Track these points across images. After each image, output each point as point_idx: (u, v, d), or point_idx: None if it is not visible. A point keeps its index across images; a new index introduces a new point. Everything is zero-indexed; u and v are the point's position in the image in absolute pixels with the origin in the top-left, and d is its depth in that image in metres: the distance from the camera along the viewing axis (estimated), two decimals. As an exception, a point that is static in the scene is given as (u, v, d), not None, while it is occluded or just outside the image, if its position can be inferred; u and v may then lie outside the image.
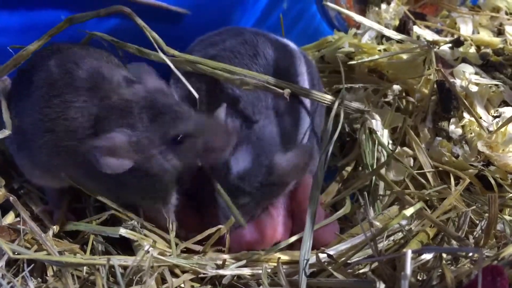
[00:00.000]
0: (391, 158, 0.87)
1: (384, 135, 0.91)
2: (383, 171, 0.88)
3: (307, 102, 0.83)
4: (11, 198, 0.77)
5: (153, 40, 0.81)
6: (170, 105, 0.70)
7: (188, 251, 0.76)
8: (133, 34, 0.83)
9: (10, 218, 0.79)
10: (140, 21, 0.81)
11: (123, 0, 0.85)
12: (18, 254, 0.68)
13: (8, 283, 0.65)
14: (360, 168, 0.94)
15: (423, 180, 0.86)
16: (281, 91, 0.77)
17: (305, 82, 0.83)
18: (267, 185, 0.75)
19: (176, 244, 0.75)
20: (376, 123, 0.91)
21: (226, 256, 0.73)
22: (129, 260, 0.67)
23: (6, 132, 0.75)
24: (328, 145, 0.77)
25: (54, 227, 0.77)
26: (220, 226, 0.74)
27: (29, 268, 0.69)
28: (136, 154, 0.69)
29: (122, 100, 0.70)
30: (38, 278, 0.71)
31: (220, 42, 0.87)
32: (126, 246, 0.77)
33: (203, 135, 0.71)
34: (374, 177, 0.87)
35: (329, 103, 0.83)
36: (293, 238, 0.75)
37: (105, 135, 0.68)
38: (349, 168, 0.94)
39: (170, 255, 0.72)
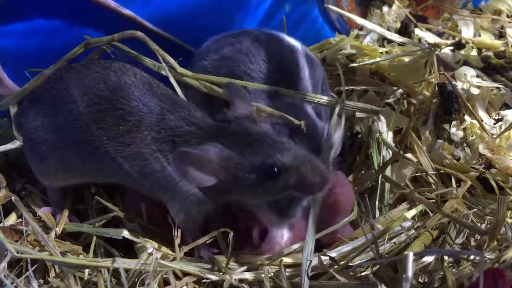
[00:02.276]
0: (397, 156, 0.86)
1: (388, 137, 0.91)
2: (388, 173, 0.88)
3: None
4: (13, 197, 0.77)
5: (163, 61, 0.83)
6: (267, 134, 0.68)
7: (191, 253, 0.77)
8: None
9: (12, 219, 0.79)
10: (153, 45, 0.82)
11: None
12: (22, 254, 0.68)
13: (12, 283, 0.65)
14: (363, 171, 0.94)
15: (431, 179, 0.86)
16: (297, 121, 0.76)
17: (307, 87, 0.83)
18: None
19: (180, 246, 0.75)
20: (381, 124, 0.91)
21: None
22: (132, 264, 0.67)
23: (17, 143, 0.78)
24: (329, 151, 0.76)
25: (57, 228, 0.77)
26: (224, 229, 0.74)
27: (32, 268, 0.69)
28: (222, 173, 0.66)
29: (211, 122, 0.70)
30: (40, 280, 0.71)
31: (235, 43, 0.86)
32: (128, 248, 0.77)
33: (299, 172, 0.66)
34: (379, 180, 0.87)
35: (327, 104, 0.82)
36: (295, 246, 0.75)
37: (198, 146, 0.66)
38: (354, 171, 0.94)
39: (173, 258, 0.72)
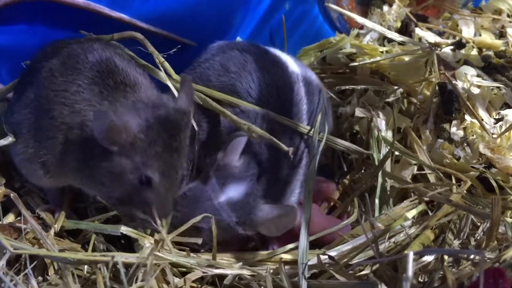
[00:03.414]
0: (393, 148, 0.86)
1: (388, 136, 0.91)
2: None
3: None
4: (11, 194, 0.77)
5: (161, 66, 0.82)
6: (182, 152, 0.69)
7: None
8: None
9: (11, 217, 0.79)
10: (151, 48, 0.82)
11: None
12: (19, 250, 0.68)
13: (11, 281, 0.65)
14: (363, 171, 0.94)
15: (432, 177, 0.86)
16: (286, 148, 0.77)
17: (302, 113, 0.84)
18: (240, 224, 0.76)
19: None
20: (380, 121, 0.91)
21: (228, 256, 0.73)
22: (131, 258, 0.67)
23: (10, 139, 0.77)
24: (315, 154, 0.77)
25: (55, 225, 0.77)
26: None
27: (31, 266, 0.69)
28: (127, 147, 0.67)
29: (153, 103, 0.70)
30: (39, 277, 0.71)
31: (241, 58, 0.87)
32: (127, 247, 0.77)
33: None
34: (379, 177, 0.87)
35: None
36: (290, 246, 0.74)
37: (121, 112, 0.67)
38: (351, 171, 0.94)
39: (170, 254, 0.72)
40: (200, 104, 0.83)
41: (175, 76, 0.83)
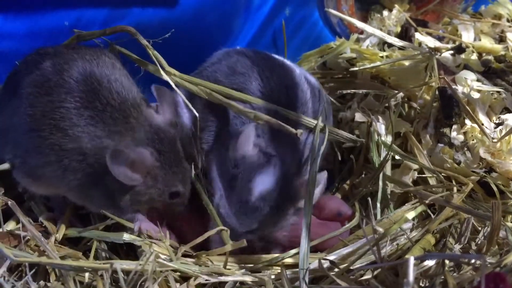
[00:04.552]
0: (391, 150, 0.87)
1: (388, 141, 0.91)
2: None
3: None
4: (9, 202, 0.76)
5: (155, 59, 0.82)
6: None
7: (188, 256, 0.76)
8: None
9: (12, 224, 0.79)
10: (144, 41, 0.82)
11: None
12: (20, 258, 0.68)
13: (12, 287, 0.65)
14: (363, 175, 0.94)
15: (433, 180, 0.86)
16: (294, 131, 0.77)
17: (309, 112, 0.84)
18: (280, 207, 0.76)
19: (176, 248, 0.75)
20: (380, 126, 0.91)
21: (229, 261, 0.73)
22: (132, 265, 0.67)
23: (6, 165, 0.78)
24: (315, 159, 0.77)
25: (57, 234, 0.77)
26: (221, 228, 0.74)
27: (31, 272, 0.69)
28: (147, 177, 0.73)
29: (151, 124, 0.74)
30: (41, 282, 0.71)
31: (249, 61, 0.88)
32: (130, 255, 0.77)
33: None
34: (380, 180, 0.87)
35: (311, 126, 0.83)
36: (293, 252, 0.74)
37: (133, 147, 0.71)
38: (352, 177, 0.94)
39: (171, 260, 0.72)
40: (205, 105, 0.84)
41: (168, 68, 0.83)
